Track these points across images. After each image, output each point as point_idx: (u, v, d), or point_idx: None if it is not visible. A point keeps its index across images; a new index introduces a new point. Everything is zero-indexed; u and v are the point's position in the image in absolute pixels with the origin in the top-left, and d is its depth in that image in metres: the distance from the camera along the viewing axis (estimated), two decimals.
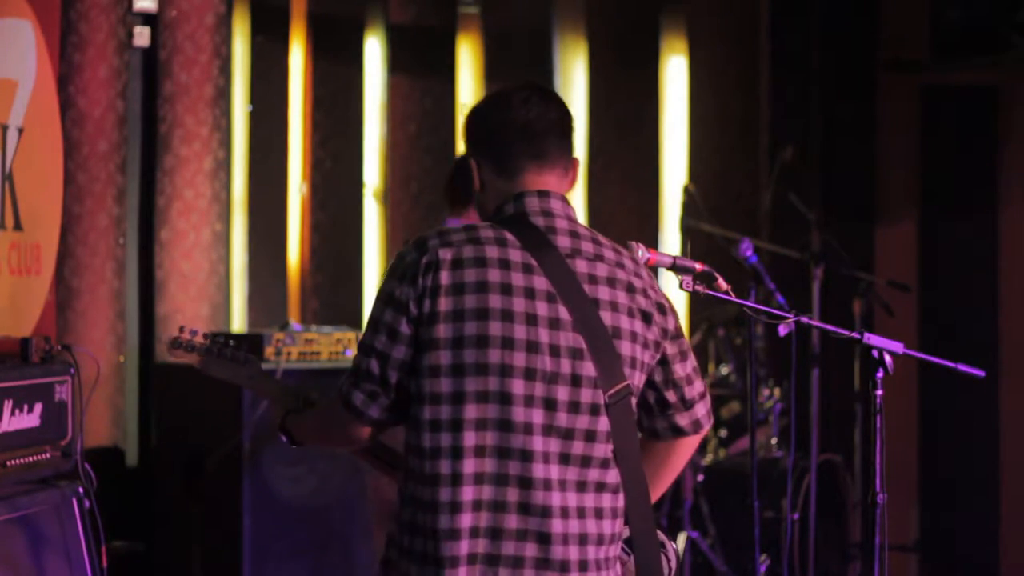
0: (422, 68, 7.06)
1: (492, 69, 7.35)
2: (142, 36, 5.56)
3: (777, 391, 6.56)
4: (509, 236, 2.87)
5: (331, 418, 3.03)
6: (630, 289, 2.91)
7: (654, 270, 3.07)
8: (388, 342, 2.85)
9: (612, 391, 2.84)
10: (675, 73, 7.94)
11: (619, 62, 7.79)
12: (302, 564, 5.34)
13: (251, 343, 5.37)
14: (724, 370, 6.93)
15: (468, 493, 2.80)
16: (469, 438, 2.80)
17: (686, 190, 6.46)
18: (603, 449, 2.85)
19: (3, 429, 3.67)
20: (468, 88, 7.32)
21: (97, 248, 5.30)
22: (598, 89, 7.68)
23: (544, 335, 2.82)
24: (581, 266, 2.88)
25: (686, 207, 6.40)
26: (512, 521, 2.80)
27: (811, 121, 7.78)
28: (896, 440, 7.13)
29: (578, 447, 2.84)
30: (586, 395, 2.84)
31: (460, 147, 7.36)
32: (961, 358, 3.38)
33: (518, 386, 2.81)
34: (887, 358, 3.23)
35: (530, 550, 2.81)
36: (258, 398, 5.12)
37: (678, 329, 2.99)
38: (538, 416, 2.81)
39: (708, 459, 6.57)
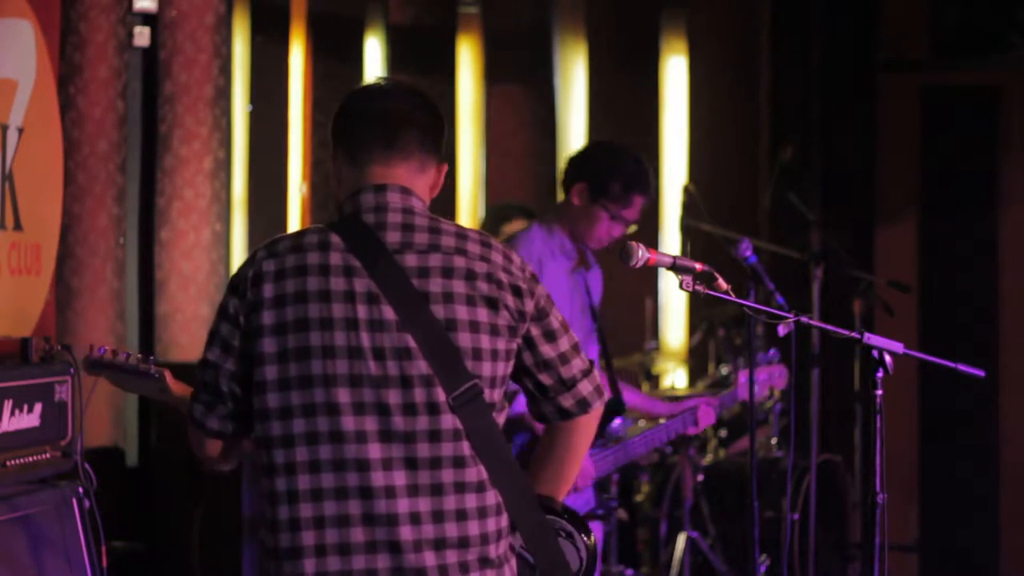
0: (422, 68, 7.06)
1: (492, 69, 7.36)
2: (142, 36, 5.55)
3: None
4: (334, 239, 2.78)
5: (190, 432, 2.96)
6: (469, 276, 2.76)
7: (654, 270, 3.06)
8: (222, 354, 2.82)
9: (457, 392, 2.73)
10: (675, 73, 7.94)
11: (619, 62, 7.79)
12: None
13: None
14: (724, 370, 6.92)
15: (306, 510, 2.72)
16: (301, 453, 2.72)
17: (686, 190, 6.45)
18: (452, 448, 2.73)
19: (3, 429, 3.66)
20: (468, 88, 7.32)
21: (97, 248, 5.29)
22: (598, 89, 7.68)
23: (366, 339, 2.72)
24: (411, 260, 2.76)
25: (686, 207, 6.39)
26: (359, 534, 2.70)
27: (811, 121, 7.78)
28: (896, 440, 7.13)
29: (423, 449, 2.72)
30: (420, 395, 2.72)
31: (460, 148, 7.37)
32: (961, 358, 3.38)
33: (344, 394, 2.71)
34: (887, 358, 3.23)
35: (382, 561, 2.71)
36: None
37: (541, 309, 2.85)
38: (372, 423, 2.71)
39: (708, 459, 6.57)
